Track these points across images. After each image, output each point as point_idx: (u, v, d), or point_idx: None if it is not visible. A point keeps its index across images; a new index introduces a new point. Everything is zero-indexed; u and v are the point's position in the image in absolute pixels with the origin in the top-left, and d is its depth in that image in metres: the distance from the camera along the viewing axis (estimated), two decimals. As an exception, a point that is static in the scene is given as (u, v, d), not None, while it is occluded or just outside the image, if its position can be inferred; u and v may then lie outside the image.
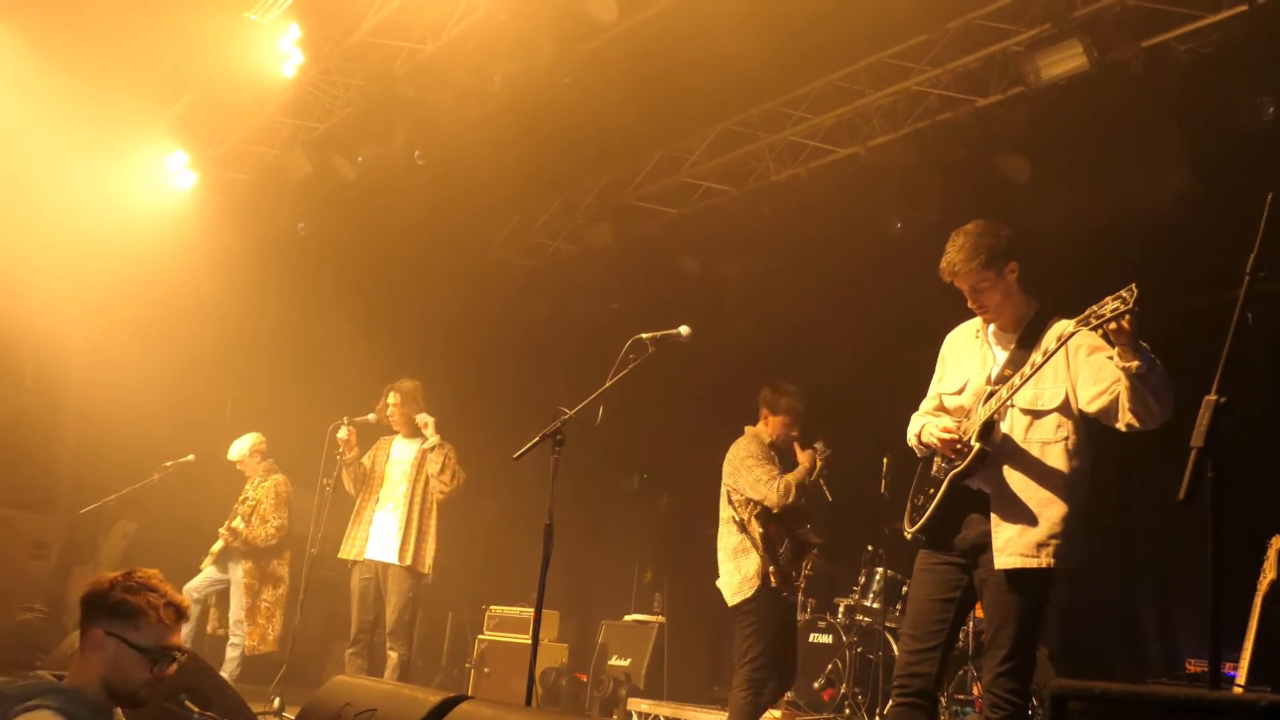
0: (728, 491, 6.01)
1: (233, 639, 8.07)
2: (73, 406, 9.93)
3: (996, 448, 4.01)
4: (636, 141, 9.75)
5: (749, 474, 5.91)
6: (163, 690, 3.11)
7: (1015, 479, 3.96)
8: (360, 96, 8.76)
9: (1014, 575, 3.88)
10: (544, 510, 4.63)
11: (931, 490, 4.16)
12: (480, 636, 9.38)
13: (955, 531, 4.10)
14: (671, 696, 8.78)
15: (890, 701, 4.20)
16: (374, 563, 7.12)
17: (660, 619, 9.42)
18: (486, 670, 9.14)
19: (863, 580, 7.91)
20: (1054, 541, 3.86)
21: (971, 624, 7.26)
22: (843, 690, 7.45)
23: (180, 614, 3.15)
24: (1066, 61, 6.98)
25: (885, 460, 7.58)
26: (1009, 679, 3.86)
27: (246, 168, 10.01)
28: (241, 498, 8.38)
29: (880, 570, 7.79)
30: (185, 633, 7.90)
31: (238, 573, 8.12)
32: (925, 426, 4.22)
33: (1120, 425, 3.85)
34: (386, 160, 8.90)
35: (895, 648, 7.35)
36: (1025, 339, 4.09)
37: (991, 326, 4.24)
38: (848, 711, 7.39)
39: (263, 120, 9.30)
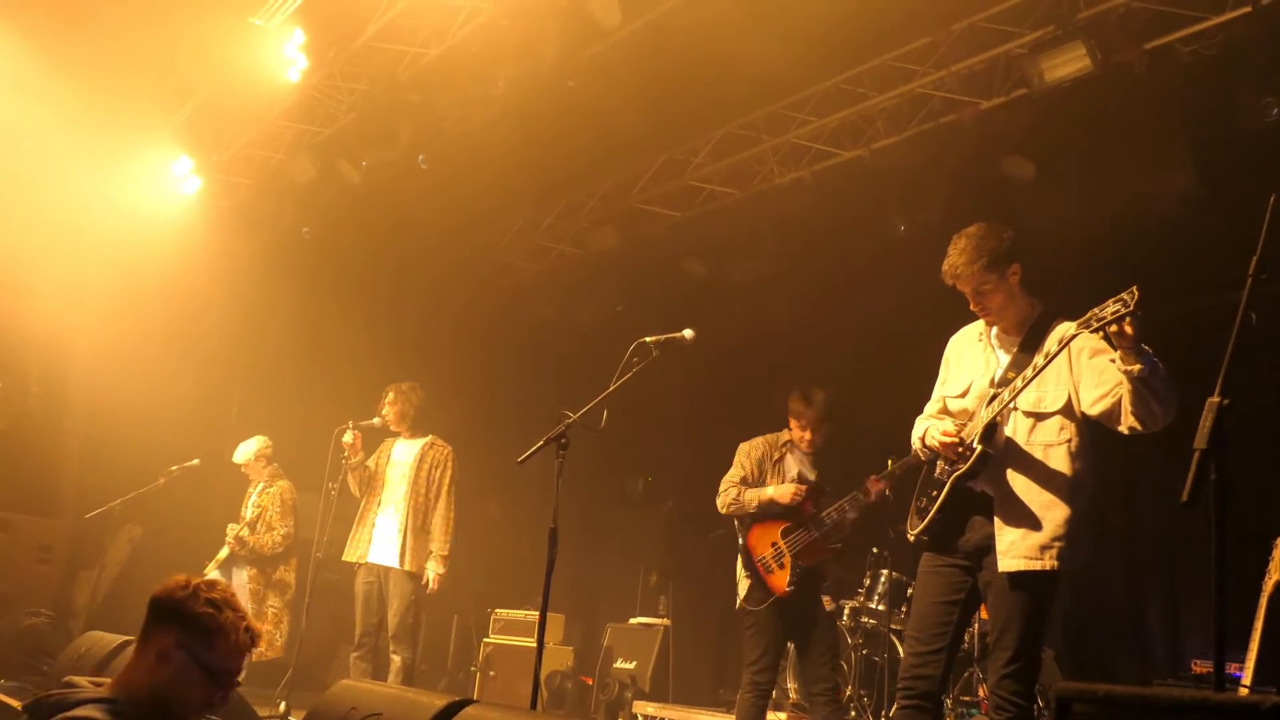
0: None
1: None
2: (78, 411, 9.96)
3: (999, 450, 4.01)
4: (640, 145, 9.75)
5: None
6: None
7: (1018, 481, 3.97)
8: (364, 101, 8.77)
9: (1018, 577, 3.89)
10: (549, 513, 4.64)
11: (934, 492, 4.17)
12: (485, 640, 9.39)
13: (959, 534, 4.11)
14: (677, 699, 8.78)
15: (895, 704, 4.20)
16: (376, 566, 7.13)
17: (665, 622, 9.42)
18: (492, 674, 9.15)
19: (868, 582, 7.91)
20: (1058, 544, 3.87)
21: (977, 626, 7.26)
22: (848, 693, 7.44)
23: (254, 640, 2.88)
24: (1070, 64, 6.97)
25: (890, 462, 7.58)
26: (1014, 681, 3.87)
27: (251, 172, 10.04)
28: (245, 503, 8.38)
29: (885, 572, 7.79)
30: None
31: (242, 578, 8.13)
32: (928, 430, 4.23)
33: (1122, 428, 3.85)
34: (391, 164, 8.91)
35: (900, 650, 7.35)
36: (1028, 341, 4.09)
37: (994, 329, 4.25)
38: (853, 714, 7.39)
39: (267, 125, 9.32)
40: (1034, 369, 3.90)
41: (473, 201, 10.16)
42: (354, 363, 9.76)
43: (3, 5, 8.22)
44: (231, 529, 8.20)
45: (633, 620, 9.64)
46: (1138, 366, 3.62)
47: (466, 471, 7.42)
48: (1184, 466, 2.54)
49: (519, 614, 9.32)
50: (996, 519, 3.97)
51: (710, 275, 10.11)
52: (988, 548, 3.98)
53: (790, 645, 6.32)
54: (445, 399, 7.93)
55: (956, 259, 4.11)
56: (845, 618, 7.80)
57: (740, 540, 5.99)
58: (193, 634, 2.76)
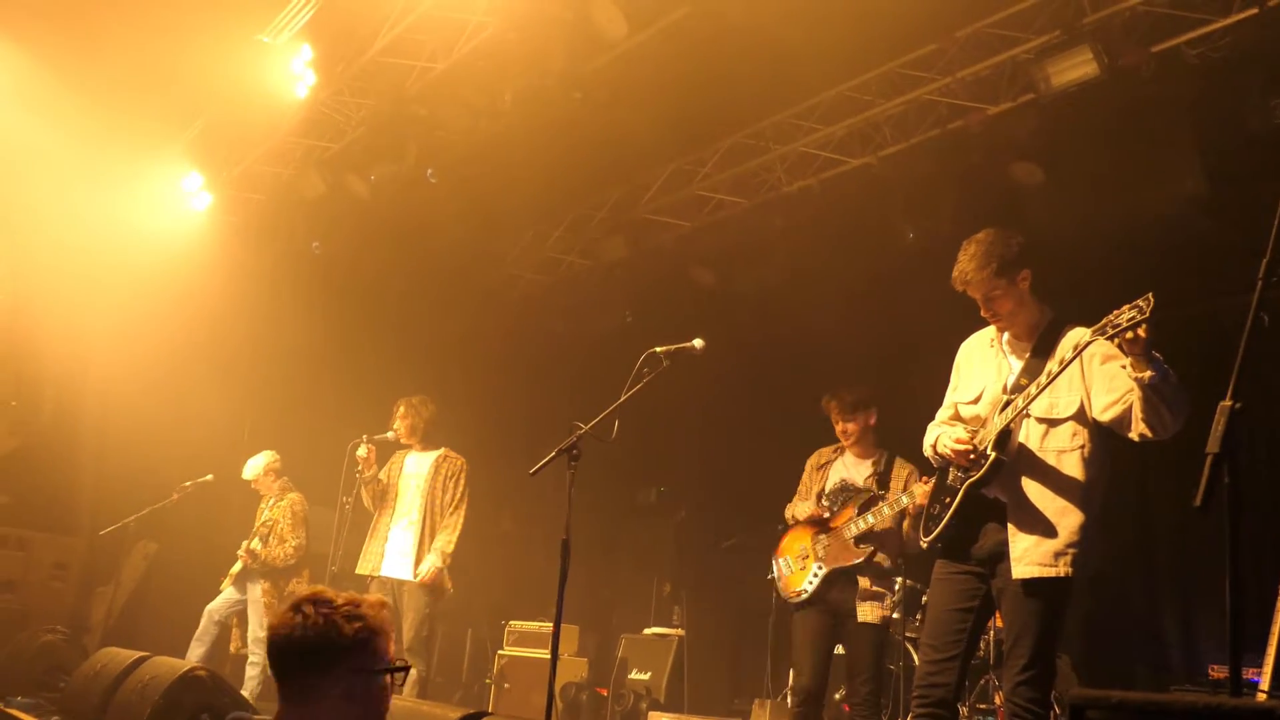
0: None
1: (252, 658, 8.09)
2: (92, 428, 9.98)
3: (1012, 456, 4.01)
4: (648, 155, 9.77)
5: None
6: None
7: (1032, 488, 3.97)
8: (372, 116, 8.81)
9: (1032, 584, 3.88)
10: (561, 525, 4.64)
11: (948, 499, 4.16)
12: (500, 652, 9.38)
13: (972, 540, 4.11)
14: (692, 709, 8.76)
15: (910, 712, 4.19)
16: (390, 580, 7.14)
17: (680, 632, 9.41)
18: (506, 685, 9.14)
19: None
20: (1071, 550, 3.87)
21: (993, 633, 7.23)
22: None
23: (391, 615, 2.77)
24: (1077, 68, 6.97)
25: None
26: (1029, 688, 3.86)
27: (261, 188, 10.08)
28: (258, 518, 8.40)
29: (899, 579, 7.76)
30: (200, 654, 7.97)
31: (255, 592, 8.15)
32: (940, 437, 4.23)
33: (1133, 435, 3.85)
34: (399, 178, 8.94)
35: (915, 657, 7.33)
36: (1040, 347, 4.09)
37: (1006, 335, 4.24)
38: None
39: (277, 141, 9.36)
40: (1048, 375, 3.90)
41: (481, 214, 10.19)
42: (366, 376, 9.79)
43: (14, 25, 8.26)
44: (241, 553, 8.24)
45: (647, 631, 9.62)
46: (1149, 374, 3.62)
47: (479, 484, 7.43)
48: (1197, 470, 2.53)
49: (533, 626, 9.31)
50: (1010, 525, 3.96)
51: (720, 284, 10.11)
52: (1001, 554, 3.98)
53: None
54: (456, 411, 7.94)
55: (966, 265, 4.11)
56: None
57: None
58: (361, 655, 2.63)
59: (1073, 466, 3.94)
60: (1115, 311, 3.60)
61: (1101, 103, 7.28)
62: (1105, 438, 3.99)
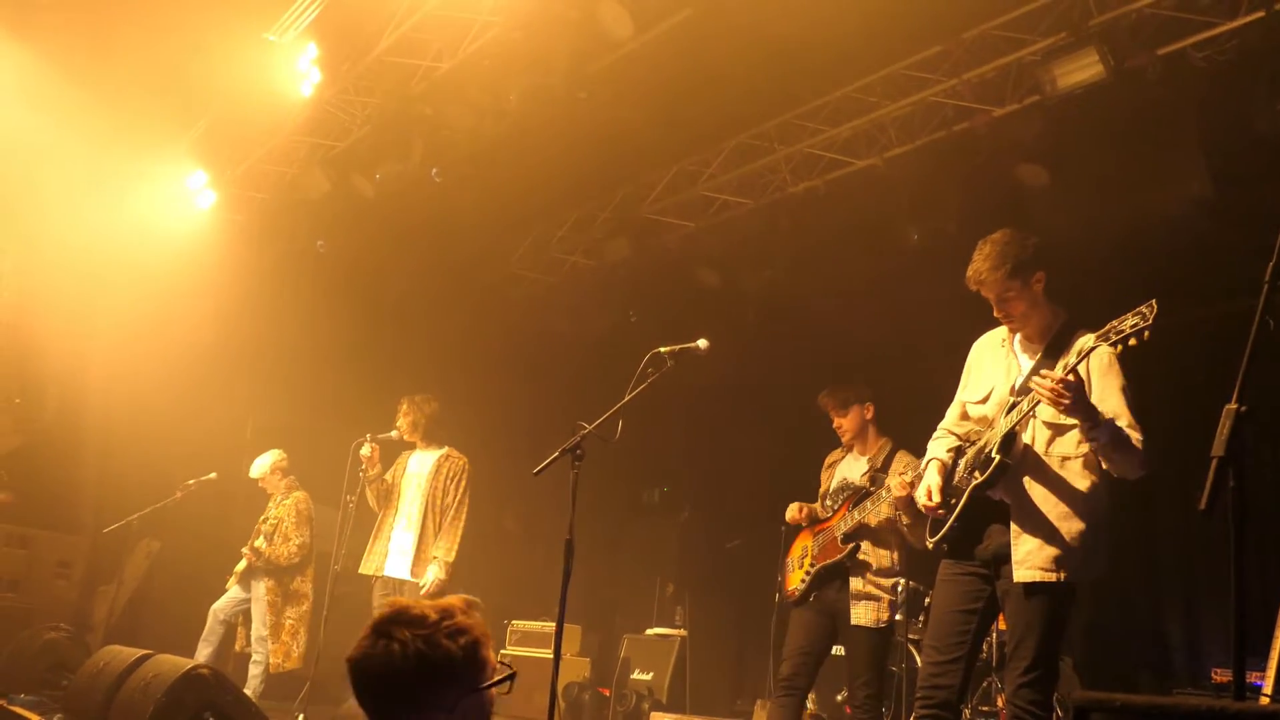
0: None
1: (255, 656, 8.09)
2: (95, 426, 9.99)
3: (1018, 459, 4.00)
4: (652, 155, 9.77)
5: None
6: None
7: (1036, 491, 3.97)
8: (377, 115, 8.81)
9: (1033, 588, 3.89)
10: (564, 525, 4.64)
11: (953, 500, 4.16)
12: (502, 651, 9.38)
13: (977, 542, 4.11)
14: (694, 710, 8.76)
15: (913, 713, 4.19)
16: (392, 579, 7.14)
17: (682, 633, 9.41)
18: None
19: (884, 592, 7.88)
20: (1073, 556, 3.87)
21: (995, 635, 7.23)
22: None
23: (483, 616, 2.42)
24: (1083, 70, 6.96)
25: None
26: (1031, 690, 3.86)
27: (266, 187, 10.08)
28: (263, 516, 8.40)
29: (902, 581, 7.75)
30: (208, 654, 7.97)
31: (259, 590, 8.15)
32: (928, 468, 4.31)
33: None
34: (404, 178, 8.94)
35: (918, 659, 7.32)
36: (1050, 350, 4.09)
37: (1018, 336, 4.24)
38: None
39: (281, 139, 9.37)
40: None
41: (486, 213, 10.19)
42: (369, 375, 9.80)
43: (19, 25, 8.27)
44: (245, 552, 8.25)
45: (649, 631, 9.63)
46: (1094, 438, 3.80)
47: (481, 483, 7.42)
48: (1202, 474, 2.53)
49: (535, 625, 9.32)
50: (1013, 528, 3.96)
51: (724, 285, 10.11)
52: (1005, 556, 3.98)
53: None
54: (459, 411, 7.94)
55: (981, 264, 4.09)
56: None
57: None
58: (472, 672, 2.33)
59: (1077, 472, 3.94)
60: (1119, 318, 3.62)
61: (1107, 105, 7.27)
62: None
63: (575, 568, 4.65)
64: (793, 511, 5.96)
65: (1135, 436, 3.83)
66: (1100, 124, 7.48)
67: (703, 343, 5.02)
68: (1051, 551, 3.88)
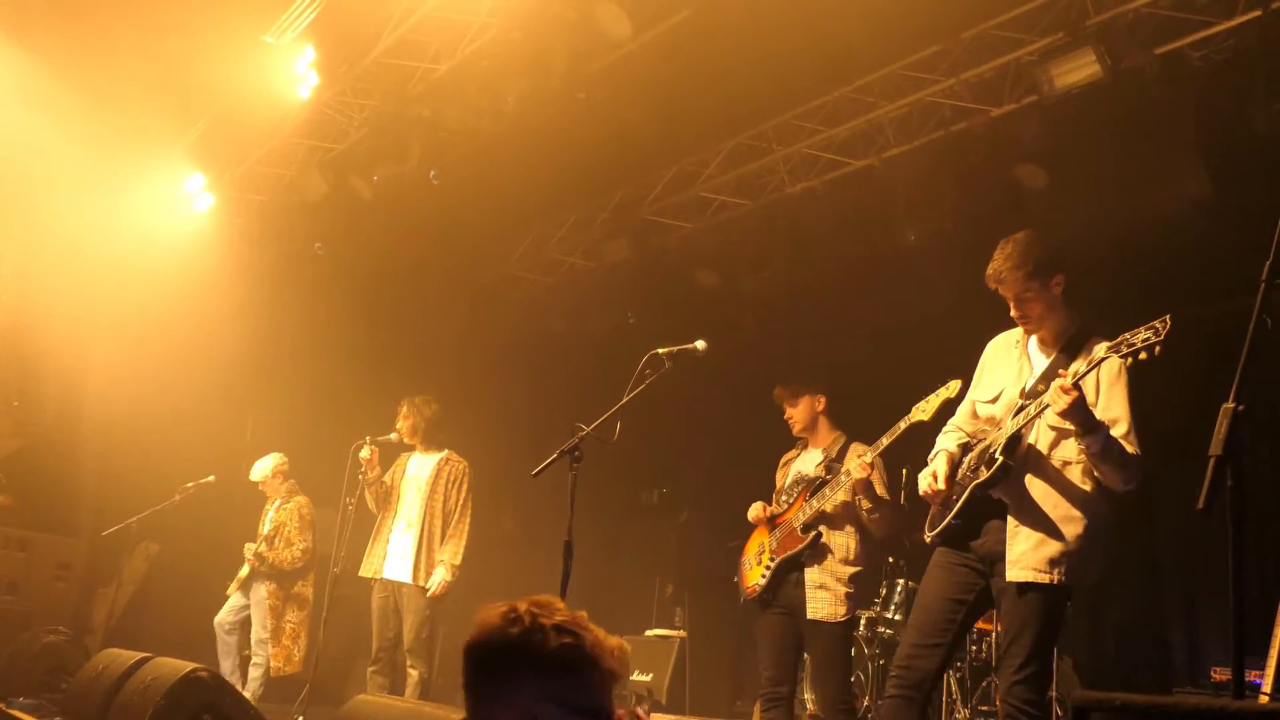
0: None
1: (255, 659, 8.10)
2: (94, 430, 9.99)
3: (1020, 462, 4.02)
4: (651, 156, 9.78)
5: None
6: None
7: (1036, 493, 3.99)
8: (375, 117, 8.80)
9: (1026, 587, 3.91)
10: (563, 526, 4.64)
11: (954, 497, 4.17)
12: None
13: (974, 536, 4.12)
14: (694, 711, 8.75)
15: (886, 690, 4.20)
16: (391, 582, 7.14)
17: (682, 634, 9.40)
18: (508, 687, 9.13)
19: (884, 592, 7.89)
20: (1067, 559, 3.89)
21: (994, 635, 7.23)
22: (865, 703, 7.42)
23: (624, 661, 2.20)
24: (1080, 70, 6.96)
25: (904, 471, 7.55)
26: (1024, 688, 3.87)
27: (264, 189, 10.09)
28: (263, 520, 8.41)
29: (901, 582, 7.77)
30: (229, 667, 7.96)
31: (261, 593, 8.15)
32: (931, 462, 4.30)
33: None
34: (402, 179, 8.94)
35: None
36: (1063, 354, 4.11)
37: (1033, 339, 4.26)
38: (871, 725, 7.35)
39: (279, 142, 9.37)
40: None
41: (484, 215, 10.19)
42: (368, 377, 9.79)
43: (15, 25, 8.27)
44: (249, 548, 8.23)
45: (649, 632, 9.62)
46: (1088, 441, 3.81)
47: (480, 485, 7.42)
48: (1200, 473, 2.53)
49: (535, 627, 9.30)
50: (1009, 527, 3.98)
51: (722, 286, 10.11)
52: (1000, 554, 3.99)
53: (807, 656, 6.18)
54: (458, 412, 7.93)
55: (1002, 264, 4.10)
56: (861, 628, 7.77)
57: None
58: (558, 678, 2.12)
59: (1078, 478, 3.96)
60: (1131, 331, 3.65)
61: (1105, 105, 7.27)
62: None
63: (574, 569, 4.64)
64: (756, 510, 5.85)
65: (1130, 448, 3.86)
66: (1098, 124, 7.48)
67: (701, 344, 5.01)
68: (1046, 553, 3.89)
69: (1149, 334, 3.57)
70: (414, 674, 7.02)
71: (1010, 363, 4.29)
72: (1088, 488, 3.95)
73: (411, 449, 7.48)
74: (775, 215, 9.59)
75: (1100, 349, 3.77)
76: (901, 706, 4.07)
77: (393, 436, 7.36)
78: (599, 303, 11.33)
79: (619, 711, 2.18)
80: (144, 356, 9.52)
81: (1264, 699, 4.45)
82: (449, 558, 7.06)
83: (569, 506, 4.68)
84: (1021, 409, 4.03)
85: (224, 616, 8.26)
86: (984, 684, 7.18)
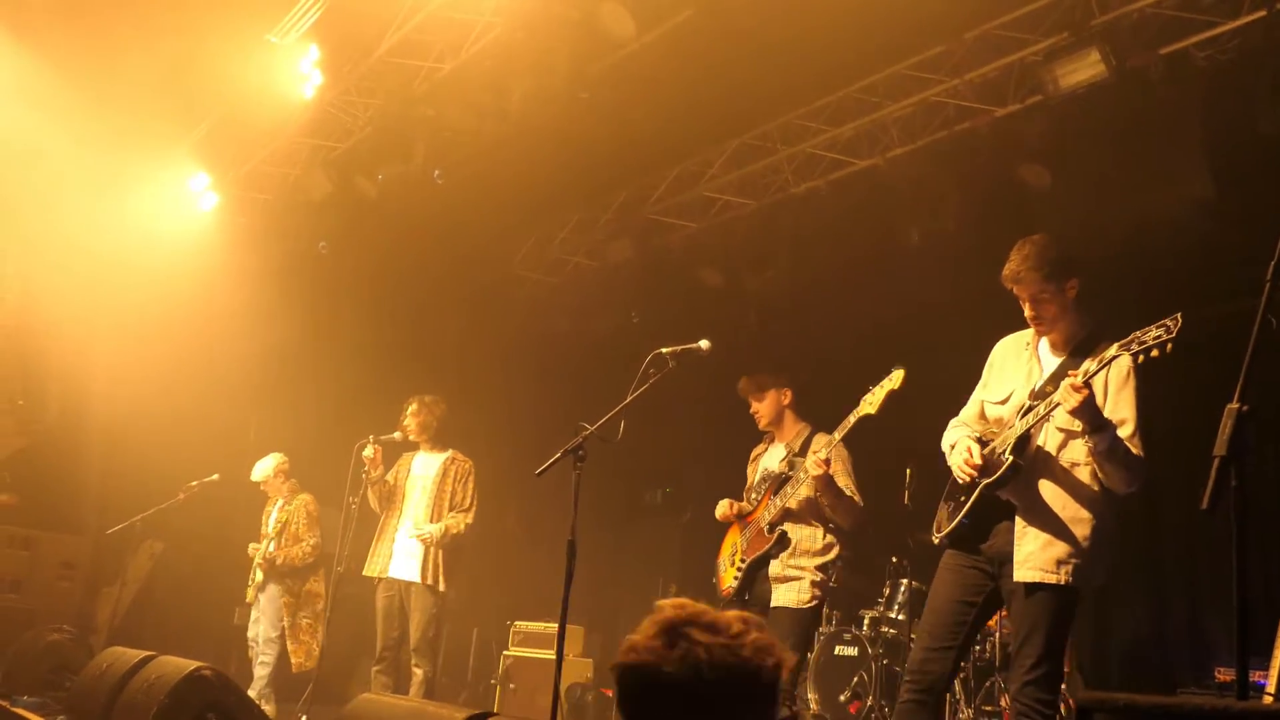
0: None
1: (262, 657, 8.10)
2: (98, 428, 10.01)
3: (1029, 463, 4.04)
4: (655, 156, 9.77)
5: None
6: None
7: (1044, 494, 4.01)
8: (379, 116, 8.81)
9: (1034, 587, 3.92)
10: (567, 525, 4.64)
11: (962, 498, 4.19)
12: (505, 652, 9.38)
13: (983, 538, 4.14)
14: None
15: (900, 696, 4.21)
16: (397, 581, 7.14)
17: (685, 633, 9.38)
18: (512, 686, 9.15)
19: (887, 592, 7.89)
20: (1074, 560, 3.91)
21: (998, 635, 7.23)
22: (869, 703, 7.42)
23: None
24: (1085, 70, 6.95)
25: (909, 471, 7.57)
26: (1036, 688, 3.88)
27: (268, 188, 10.09)
28: (265, 520, 8.41)
29: (905, 581, 7.76)
30: (261, 680, 7.97)
31: (274, 591, 8.17)
32: (958, 443, 4.26)
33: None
34: (406, 179, 8.94)
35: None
36: (1073, 357, 4.14)
37: (1043, 341, 4.28)
38: (874, 724, 7.35)
39: (283, 141, 9.37)
40: None
41: (488, 215, 10.19)
42: (371, 376, 9.80)
43: (20, 24, 8.28)
44: (253, 548, 8.25)
45: (652, 632, 9.60)
46: (1096, 440, 3.84)
47: (484, 484, 7.43)
48: (1205, 473, 2.53)
49: (538, 626, 9.31)
50: (1018, 528, 4.00)
51: (726, 285, 10.10)
52: (1009, 555, 4.01)
53: (810, 655, 6.17)
54: (461, 412, 7.94)
55: (1020, 264, 4.13)
56: (865, 628, 7.77)
57: None
58: (773, 704, 1.91)
59: (1086, 478, 3.99)
60: (1143, 329, 3.67)
61: (1109, 105, 7.26)
62: None
63: (578, 569, 4.65)
64: (723, 508, 5.85)
65: (1135, 449, 3.89)
66: (1102, 124, 7.47)
67: (705, 343, 5.02)
68: (1054, 553, 3.91)
69: (1160, 332, 3.60)
70: (419, 673, 7.02)
71: (1021, 364, 4.31)
72: (1095, 489, 3.97)
73: (414, 448, 7.48)
74: (779, 215, 9.59)
75: (1112, 348, 3.79)
76: (916, 710, 4.09)
77: (396, 436, 7.37)
78: (603, 302, 11.33)
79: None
80: (148, 355, 9.53)
81: (1268, 699, 4.45)
82: (449, 521, 7.08)
83: (572, 506, 4.69)
84: (1030, 409, 4.05)
85: (253, 632, 8.25)
86: (987, 684, 7.18)
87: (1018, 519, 4.01)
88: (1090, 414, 3.80)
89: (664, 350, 5.00)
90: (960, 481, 4.18)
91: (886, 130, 8.61)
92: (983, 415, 4.39)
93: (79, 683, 6.52)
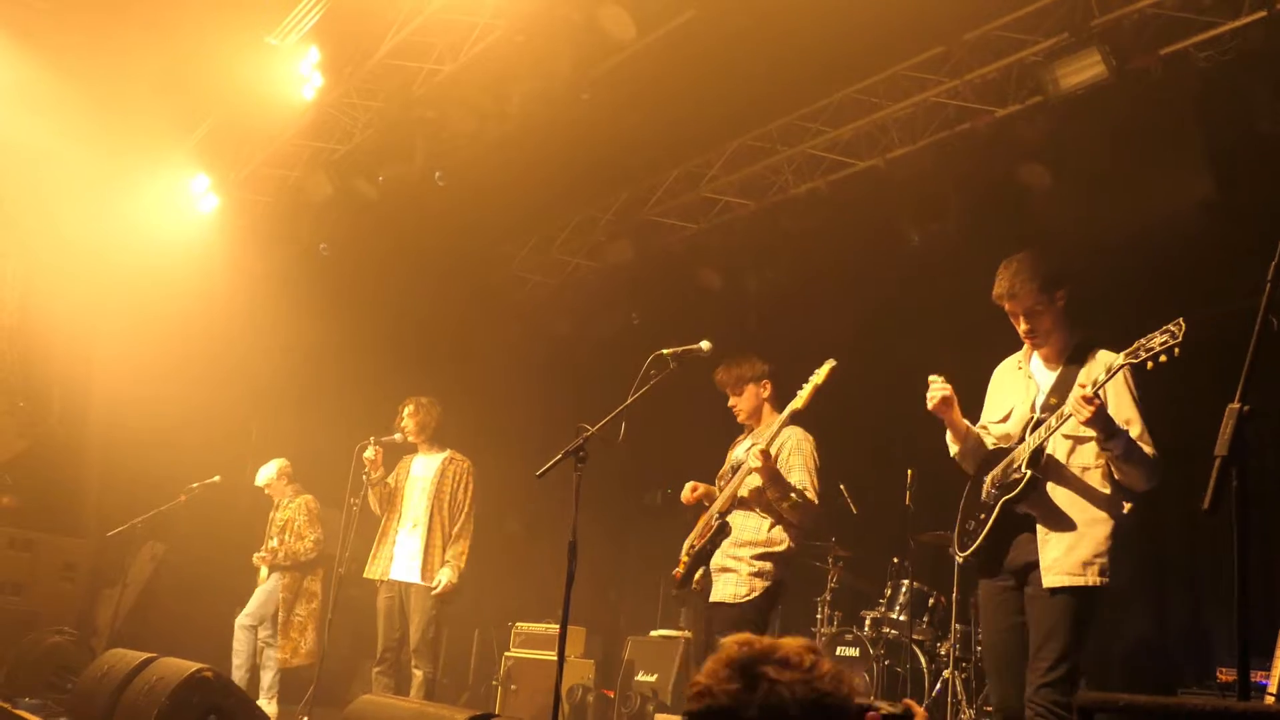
0: None
1: (265, 664, 8.13)
2: (99, 430, 10.01)
3: (1042, 473, 4.12)
4: (655, 157, 9.78)
5: None
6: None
7: (1060, 501, 4.09)
8: (380, 118, 8.82)
9: (1060, 592, 3.99)
10: (568, 527, 4.64)
11: (982, 515, 4.26)
12: (507, 654, 9.38)
13: (1005, 553, 4.21)
14: (698, 712, 8.73)
15: None
16: (398, 582, 7.14)
17: (686, 634, 9.37)
18: (513, 687, 9.14)
19: (889, 593, 7.88)
20: (1099, 560, 3.99)
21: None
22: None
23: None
24: (1085, 70, 6.95)
25: (909, 473, 7.56)
26: (1052, 690, 3.93)
27: (269, 190, 10.09)
28: (270, 527, 8.43)
29: (906, 582, 7.76)
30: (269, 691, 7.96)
31: (273, 582, 8.21)
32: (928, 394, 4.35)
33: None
34: (407, 181, 8.95)
35: (922, 660, 7.32)
36: (1068, 368, 4.21)
37: (1035, 357, 4.37)
38: (876, 725, 7.34)
39: (284, 143, 9.37)
40: None
41: (489, 216, 10.20)
42: (372, 378, 9.79)
43: (21, 27, 8.29)
44: (258, 558, 8.28)
45: (654, 633, 9.60)
46: (1111, 446, 3.92)
47: (485, 486, 7.43)
48: (1206, 473, 2.53)
49: (539, 628, 9.31)
50: (1040, 536, 4.08)
51: (726, 286, 10.11)
52: (1032, 564, 4.08)
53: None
54: (462, 413, 7.94)
55: (1012, 280, 4.20)
56: (867, 629, 7.77)
57: None
58: None
59: (1098, 481, 4.07)
60: (1147, 336, 3.72)
61: (1110, 105, 7.26)
62: None
63: (579, 570, 4.65)
64: (686, 492, 5.71)
65: (1147, 448, 3.98)
66: (1102, 124, 7.47)
67: (705, 345, 5.02)
68: (1079, 556, 3.99)
69: (1165, 337, 3.64)
70: (419, 674, 7.02)
71: (1017, 384, 4.41)
72: (1108, 490, 4.06)
73: (414, 450, 7.48)
74: (779, 216, 9.58)
75: (1119, 358, 3.84)
76: None
77: (396, 437, 7.36)
78: (603, 304, 11.33)
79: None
80: (149, 357, 9.53)
81: (1269, 700, 4.45)
82: (454, 559, 7.08)
83: (573, 507, 4.69)
84: (1040, 423, 4.13)
85: (243, 619, 8.28)
86: (989, 686, 7.17)
87: (1039, 528, 4.09)
88: (1104, 423, 3.87)
89: (664, 351, 5.00)
90: (932, 402, 4.30)
91: (887, 131, 8.61)
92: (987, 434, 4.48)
93: (80, 685, 6.52)
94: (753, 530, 5.35)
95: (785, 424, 5.32)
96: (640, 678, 9.10)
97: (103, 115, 8.66)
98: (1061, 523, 4.04)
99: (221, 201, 9.77)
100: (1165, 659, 7.62)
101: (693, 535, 5.67)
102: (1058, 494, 4.09)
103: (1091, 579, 3.96)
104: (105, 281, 9.67)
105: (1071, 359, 4.21)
